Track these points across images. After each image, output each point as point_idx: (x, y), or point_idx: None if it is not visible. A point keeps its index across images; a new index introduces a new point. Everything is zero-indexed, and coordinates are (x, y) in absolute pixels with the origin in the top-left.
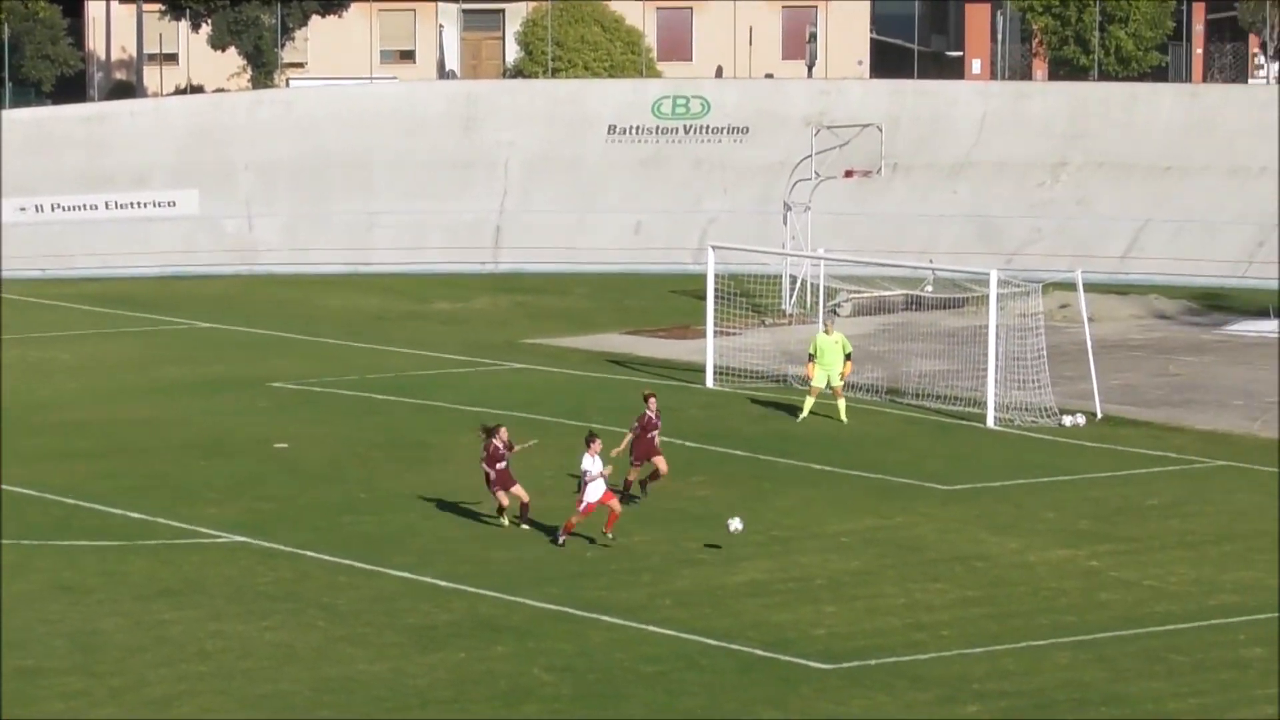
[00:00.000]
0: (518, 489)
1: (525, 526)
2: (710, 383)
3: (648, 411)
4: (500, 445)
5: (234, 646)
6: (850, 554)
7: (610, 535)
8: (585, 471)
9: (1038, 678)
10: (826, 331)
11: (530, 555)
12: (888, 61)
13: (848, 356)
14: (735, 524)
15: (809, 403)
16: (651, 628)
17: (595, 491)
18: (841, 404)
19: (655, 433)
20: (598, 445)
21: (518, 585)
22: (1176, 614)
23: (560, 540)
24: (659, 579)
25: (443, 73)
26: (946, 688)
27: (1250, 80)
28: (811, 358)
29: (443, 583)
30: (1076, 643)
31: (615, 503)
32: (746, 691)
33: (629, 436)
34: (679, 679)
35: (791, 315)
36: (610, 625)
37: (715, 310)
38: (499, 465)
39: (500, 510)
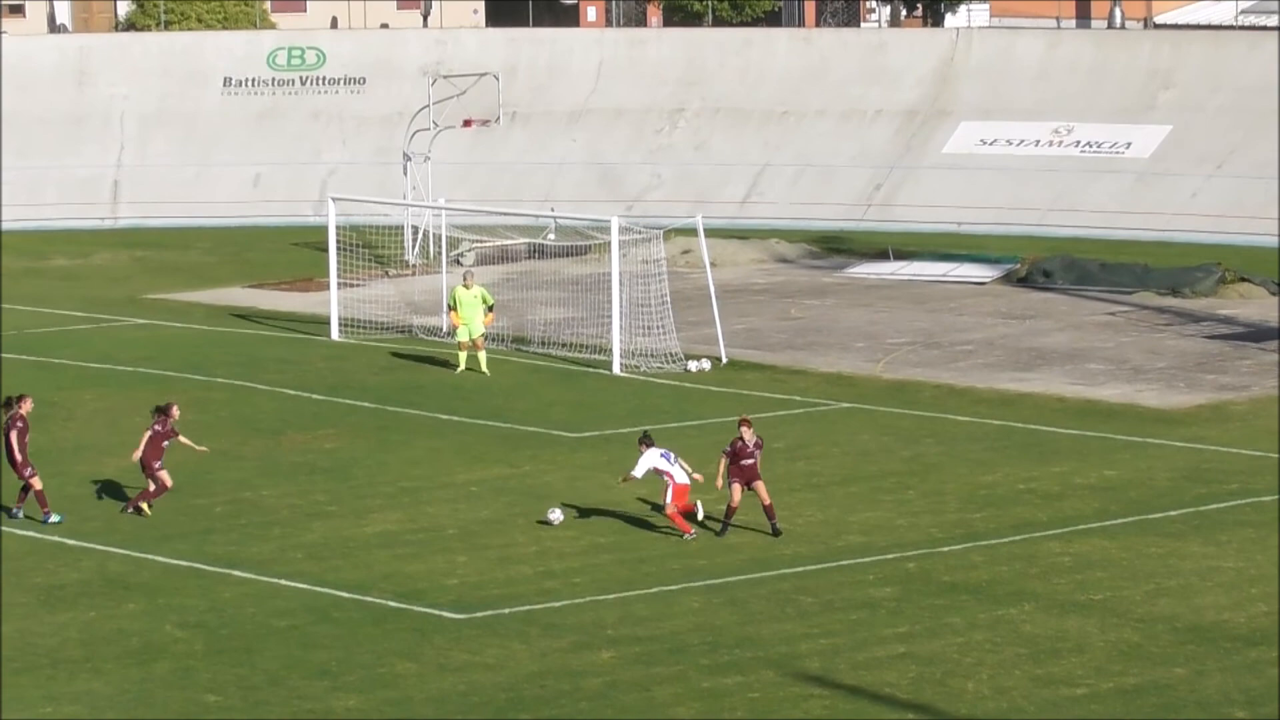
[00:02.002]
0: (165, 474)
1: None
2: (335, 335)
3: (741, 438)
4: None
5: None
6: (480, 503)
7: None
8: (663, 473)
9: (670, 622)
10: (466, 286)
11: (157, 513)
12: (503, 11)
13: (490, 308)
14: (555, 515)
15: (462, 356)
16: (283, 581)
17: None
18: (483, 356)
19: (751, 460)
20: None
21: (146, 542)
22: (805, 555)
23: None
24: (289, 532)
25: (53, 26)
26: (580, 634)
27: (863, 24)
28: (452, 308)
29: (70, 541)
30: (707, 586)
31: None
32: (380, 643)
33: (723, 463)
34: (312, 632)
35: (415, 266)
36: (241, 580)
37: (338, 262)
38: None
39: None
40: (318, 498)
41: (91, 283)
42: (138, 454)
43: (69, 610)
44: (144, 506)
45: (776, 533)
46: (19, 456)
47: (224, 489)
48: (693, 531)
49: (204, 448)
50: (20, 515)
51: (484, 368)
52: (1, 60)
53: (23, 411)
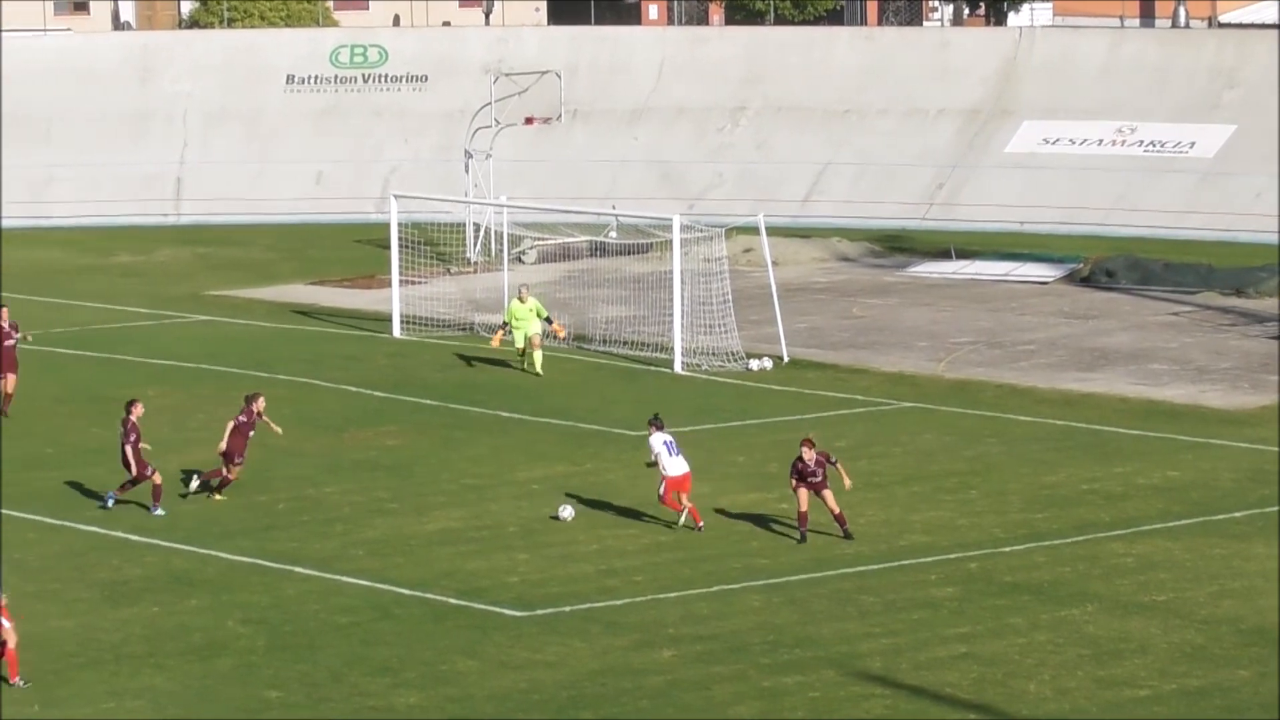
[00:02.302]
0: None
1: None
2: (397, 332)
3: (801, 458)
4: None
5: None
6: (542, 502)
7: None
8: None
9: (731, 621)
10: (521, 299)
11: (221, 509)
12: (565, 9)
13: (547, 319)
14: (566, 512)
15: (527, 356)
16: (345, 578)
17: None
18: (538, 356)
19: (816, 479)
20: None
21: (210, 539)
22: (866, 555)
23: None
24: (351, 529)
25: (117, 24)
26: (641, 633)
27: (925, 23)
28: (505, 325)
29: (134, 537)
30: (768, 586)
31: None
32: (441, 640)
33: (793, 481)
34: (373, 629)
35: (476, 263)
36: (304, 577)
37: (400, 259)
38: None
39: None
40: (379, 495)
41: (154, 279)
42: (223, 446)
43: (132, 606)
44: (217, 495)
45: (848, 536)
46: (133, 464)
47: (286, 486)
48: (682, 517)
49: (278, 429)
50: (111, 504)
51: (538, 368)
52: (2, 62)
53: (133, 419)
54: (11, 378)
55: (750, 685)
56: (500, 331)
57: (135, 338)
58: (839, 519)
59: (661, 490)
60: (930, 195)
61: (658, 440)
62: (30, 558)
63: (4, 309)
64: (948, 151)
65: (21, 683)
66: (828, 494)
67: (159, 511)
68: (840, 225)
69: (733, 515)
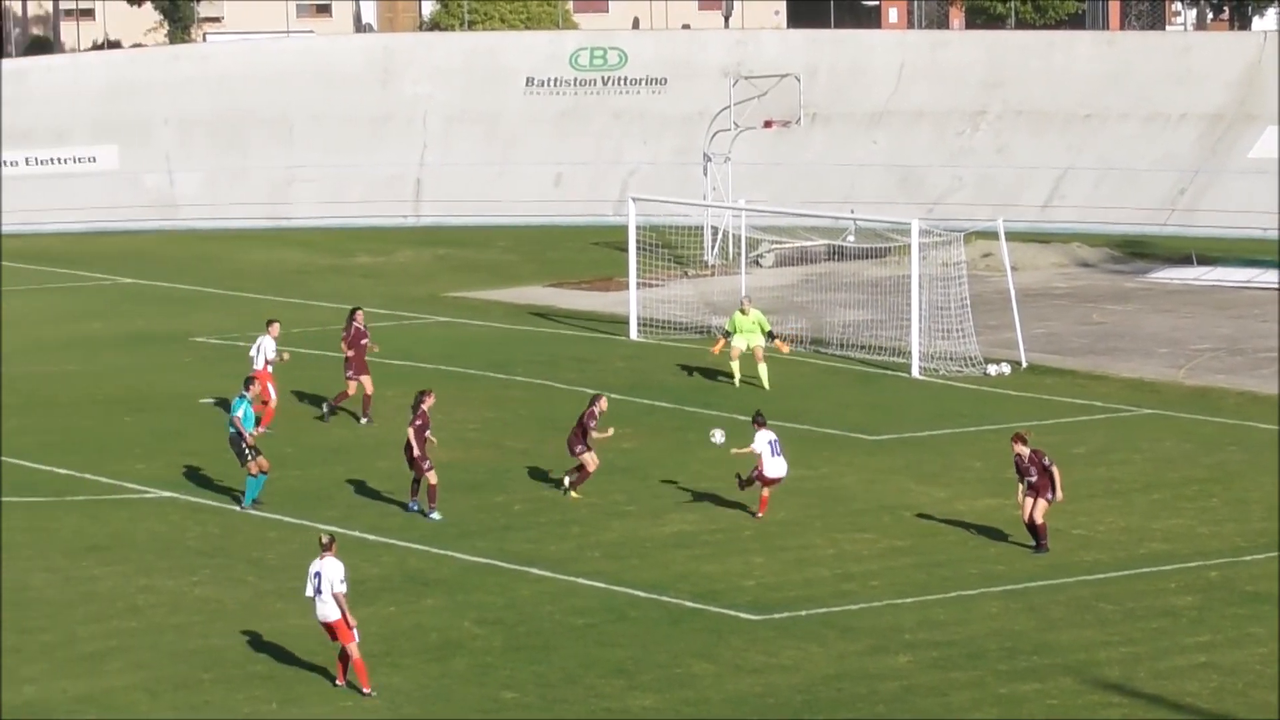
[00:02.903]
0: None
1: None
2: (634, 334)
3: (1017, 454)
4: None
5: (164, 602)
6: (777, 505)
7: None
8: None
9: (968, 627)
10: (744, 311)
11: (457, 509)
12: (804, 11)
13: (769, 335)
14: (718, 435)
15: (735, 365)
16: (580, 580)
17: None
18: (763, 369)
19: (1033, 478)
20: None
21: (446, 539)
22: (1105, 562)
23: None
24: (587, 531)
25: (359, 26)
26: (877, 638)
27: (1168, 27)
28: (727, 335)
29: (370, 536)
30: (1006, 592)
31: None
32: (676, 643)
33: (1019, 485)
34: (609, 631)
35: (714, 266)
36: (539, 578)
37: (637, 262)
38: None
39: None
40: (616, 497)
41: (393, 280)
42: (417, 452)
43: (369, 605)
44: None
45: (1040, 549)
46: (418, 452)
47: (523, 487)
48: (762, 515)
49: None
50: (415, 508)
51: (765, 382)
52: (1, 79)
53: (425, 408)
54: (367, 380)
55: (987, 692)
56: (722, 340)
57: (373, 338)
58: (1034, 529)
59: (755, 475)
60: (1172, 201)
61: (762, 439)
62: (270, 556)
63: (359, 311)
64: (1189, 157)
65: (373, 693)
66: (1040, 502)
67: (435, 515)
68: (1080, 230)
69: (969, 521)
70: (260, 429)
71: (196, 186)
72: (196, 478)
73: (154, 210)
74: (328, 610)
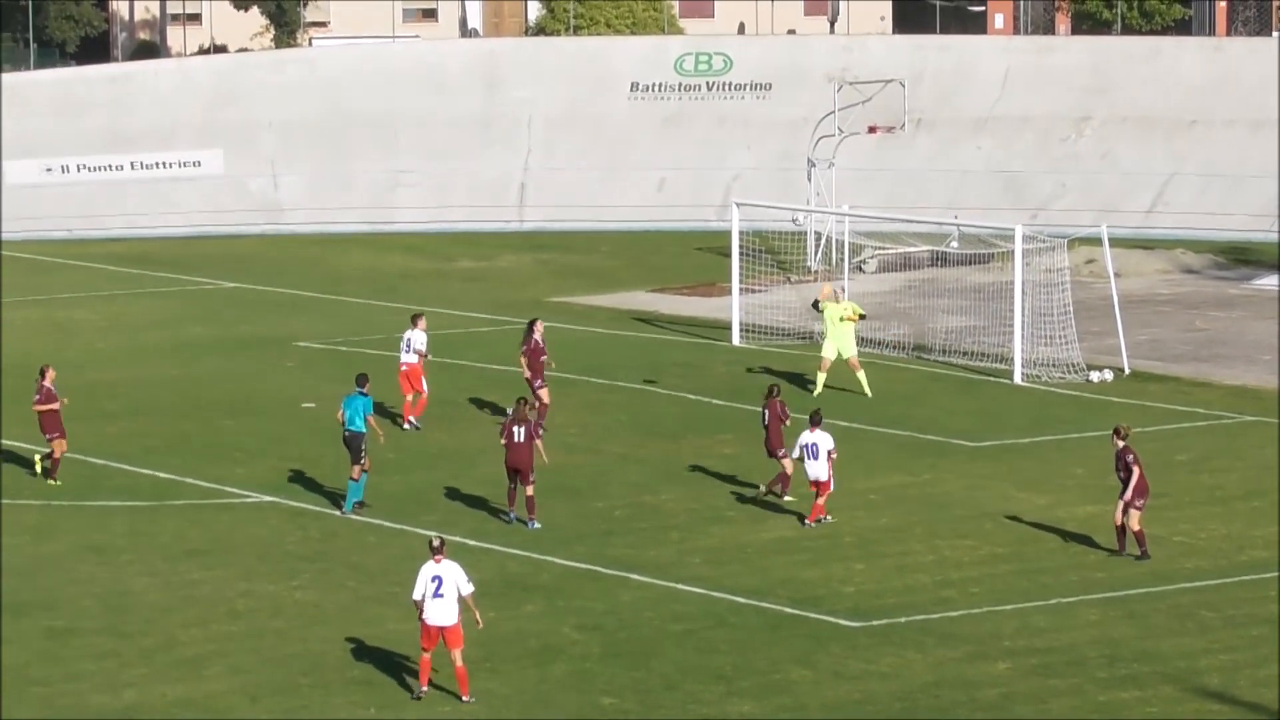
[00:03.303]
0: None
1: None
2: (736, 340)
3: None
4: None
5: (264, 606)
6: (878, 511)
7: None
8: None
9: (1068, 634)
10: (836, 300)
11: (557, 514)
12: (910, 16)
13: (861, 316)
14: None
15: (820, 377)
16: (680, 585)
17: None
18: (862, 376)
19: (1124, 474)
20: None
21: (546, 544)
22: (1206, 570)
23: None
24: (687, 537)
25: (465, 31)
26: (977, 644)
27: (1274, 33)
28: (819, 308)
29: (471, 541)
30: (1106, 599)
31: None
32: (776, 649)
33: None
34: (708, 637)
35: (817, 272)
36: (639, 584)
37: (740, 267)
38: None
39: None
40: (716, 503)
41: (496, 285)
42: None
43: (469, 610)
44: None
45: (1120, 551)
46: (774, 441)
47: (623, 492)
48: (816, 520)
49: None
50: (514, 519)
51: (866, 389)
52: (1, 89)
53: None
54: (544, 391)
55: (1087, 700)
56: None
57: (476, 343)
58: (1135, 537)
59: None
60: (1276, 208)
61: (804, 439)
62: (370, 561)
63: (538, 322)
64: None
65: (472, 699)
66: (1132, 512)
67: (536, 525)
68: (1184, 237)
69: (1070, 528)
70: (410, 420)
71: (300, 191)
72: (297, 482)
73: (258, 214)
74: (446, 614)
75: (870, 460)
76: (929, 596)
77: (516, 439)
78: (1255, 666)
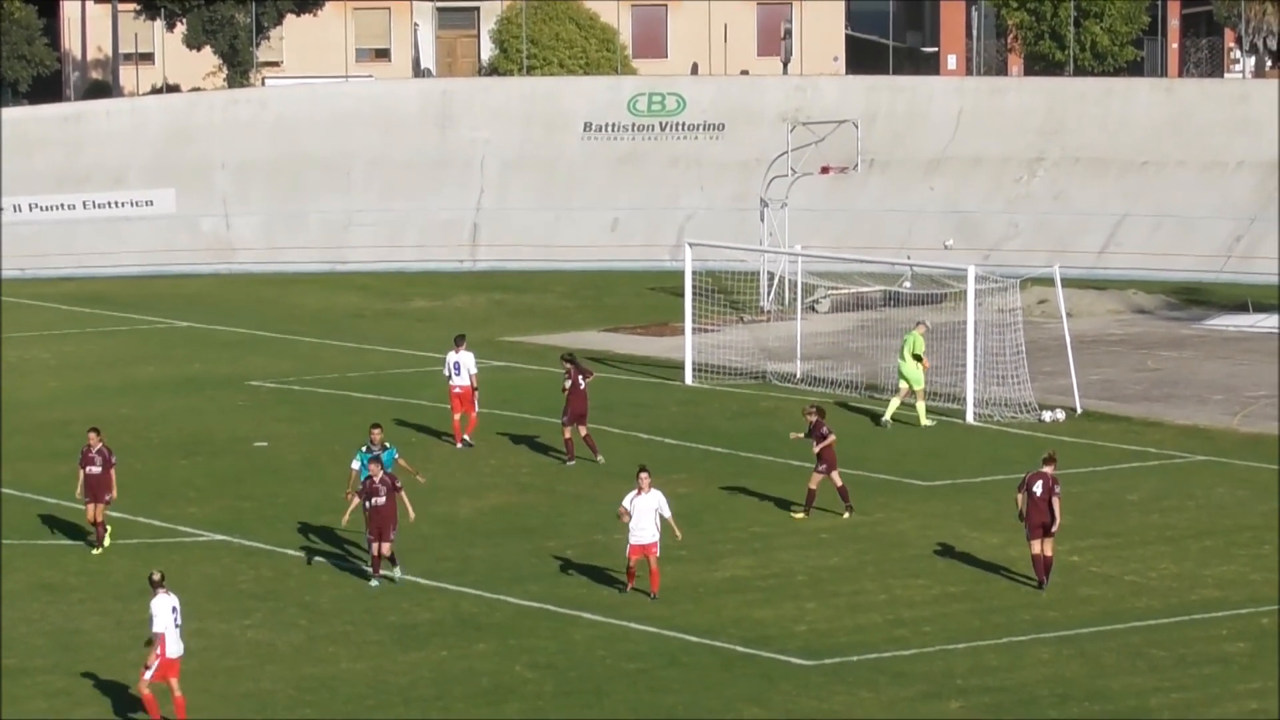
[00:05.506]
0: None
1: None
2: (689, 380)
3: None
4: None
5: (215, 645)
6: (831, 550)
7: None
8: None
9: (1020, 673)
10: (921, 334)
11: (510, 553)
12: (863, 58)
13: (916, 357)
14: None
15: (894, 403)
16: (633, 625)
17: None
18: (921, 407)
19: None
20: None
21: (498, 583)
22: (1158, 609)
23: None
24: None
25: (418, 71)
26: (929, 684)
27: (1226, 75)
28: (918, 357)
29: (423, 580)
30: (1058, 638)
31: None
32: (728, 688)
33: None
34: (660, 676)
35: (770, 312)
36: (591, 622)
37: (693, 307)
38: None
39: None
40: (668, 542)
41: (450, 324)
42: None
43: (421, 649)
44: None
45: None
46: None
47: (576, 532)
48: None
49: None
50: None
51: (924, 419)
52: (1, 128)
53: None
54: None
55: None
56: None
57: (430, 383)
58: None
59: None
60: (1228, 248)
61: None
62: (323, 600)
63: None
64: (1247, 204)
65: None
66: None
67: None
68: (1136, 277)
69: (1022, 567)
70: (463, 439)
71: (253, 230)
72: (249, 521)
73: (210, 254)
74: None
75: (823, 500)
76: (881, 635)
77: None
78: (1207, 705)
